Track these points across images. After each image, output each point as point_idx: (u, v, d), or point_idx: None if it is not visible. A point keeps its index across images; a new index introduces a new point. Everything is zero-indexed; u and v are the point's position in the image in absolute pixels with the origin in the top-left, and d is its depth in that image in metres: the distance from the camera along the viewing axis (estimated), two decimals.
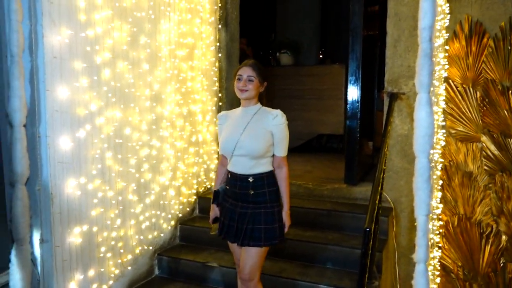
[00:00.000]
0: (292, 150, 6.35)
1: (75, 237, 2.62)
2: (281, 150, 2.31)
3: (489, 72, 3.99)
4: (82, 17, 2.59)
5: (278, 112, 2.28)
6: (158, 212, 3.45)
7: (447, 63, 4.07)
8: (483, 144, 4.06)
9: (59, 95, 2.48)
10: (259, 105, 2.36)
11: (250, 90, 2.28)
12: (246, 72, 2.30)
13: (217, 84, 4.23)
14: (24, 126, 2.31)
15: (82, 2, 2.58)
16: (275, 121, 2.25)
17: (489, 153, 4.05)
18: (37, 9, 2.37)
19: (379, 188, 2.66)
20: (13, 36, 2.24)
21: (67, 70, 2.52)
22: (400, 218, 3.66)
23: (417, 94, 1.81)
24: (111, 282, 2.95)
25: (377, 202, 2.51)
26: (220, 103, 4.28)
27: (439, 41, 3.47)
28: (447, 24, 4.00)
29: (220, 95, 4.27)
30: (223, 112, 2.48)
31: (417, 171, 1.78)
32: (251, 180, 2.25)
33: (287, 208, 2.33)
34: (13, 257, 2.32)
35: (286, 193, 2.32)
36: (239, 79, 2.30)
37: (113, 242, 2.94)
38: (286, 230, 2.36)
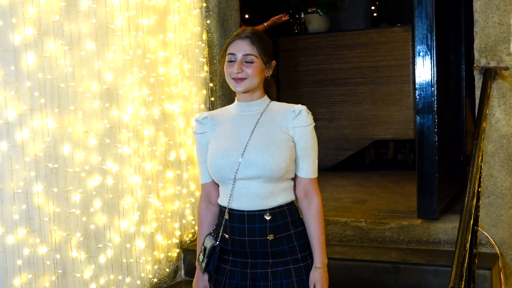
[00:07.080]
0: (334, 167, 6.37)
1: None
2: (309, 167, 2.31)
3: None
4: None
5: (301, 107, 2.29)
6: (120, 277, 3.49)
7: None
8: None
9: None
10: (266, 98, 2.38)
11: (250, 77, 2.27)
12: (241, 48, 2.29)
13: (206, 68, 4.29)
14: None
15: None
16: (298, 121, 2.27)
17: None
18: None
19: (471, 223, 2.66)
20: None
21: None
22: (511, 270, 3.64)
23: None
24: None
25: (467, 246, 2.51)
26: (212, 98, 4.33)
27: None
28: None
29: (211, 84, 4.33)
30: (205, 114, 2.44)
31: None
32: (268, 218, 2.27)
33: (320, 262, 2.30)
34: None
35: (319, 239, 2.30)
36: (230, 60, 2.31)
37: None
38: None
